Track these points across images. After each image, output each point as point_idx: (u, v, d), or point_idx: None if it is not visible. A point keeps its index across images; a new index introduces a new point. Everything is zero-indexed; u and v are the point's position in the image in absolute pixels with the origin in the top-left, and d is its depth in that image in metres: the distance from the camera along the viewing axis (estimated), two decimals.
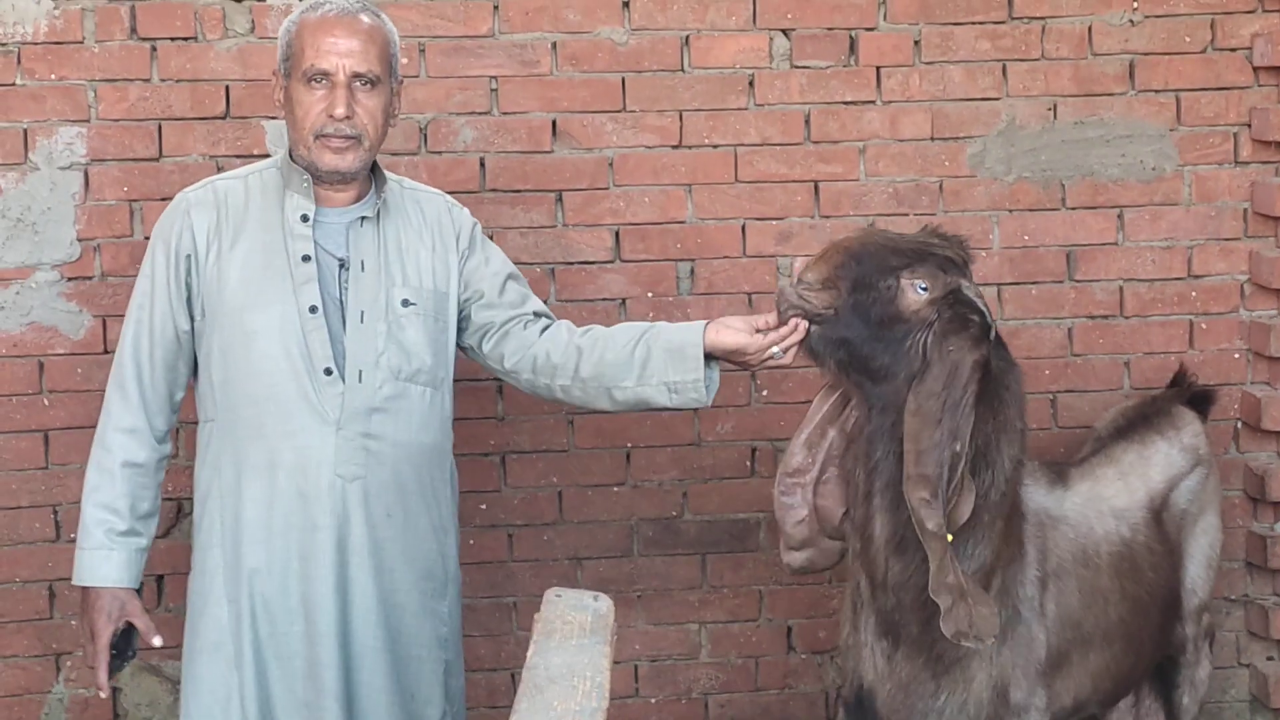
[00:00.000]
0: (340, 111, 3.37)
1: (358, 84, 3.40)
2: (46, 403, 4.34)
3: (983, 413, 3.31)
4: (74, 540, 3.48)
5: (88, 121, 4.30)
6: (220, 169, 4.20)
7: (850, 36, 4.49)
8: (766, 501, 4.06)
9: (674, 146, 4.47)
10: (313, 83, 3.39)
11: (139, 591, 3.49)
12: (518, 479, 4.52)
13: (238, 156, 4.28)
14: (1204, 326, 4.66)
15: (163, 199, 4.21)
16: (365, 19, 3.43)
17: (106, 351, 4.27)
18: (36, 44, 4.26)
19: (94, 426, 3.52)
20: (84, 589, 3.46)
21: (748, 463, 4.57)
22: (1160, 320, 4.65)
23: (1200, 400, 4.33)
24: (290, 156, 3.48)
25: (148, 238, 4.12)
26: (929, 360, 3.30)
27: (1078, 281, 4.62)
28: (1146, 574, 3.87)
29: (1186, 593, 4.11)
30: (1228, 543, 4.62)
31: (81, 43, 4.28)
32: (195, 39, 4.31)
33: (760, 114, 4.48)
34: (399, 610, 3.49)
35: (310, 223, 3.45)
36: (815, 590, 4.63)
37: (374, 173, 3.54)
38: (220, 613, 3.43)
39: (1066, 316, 4.62)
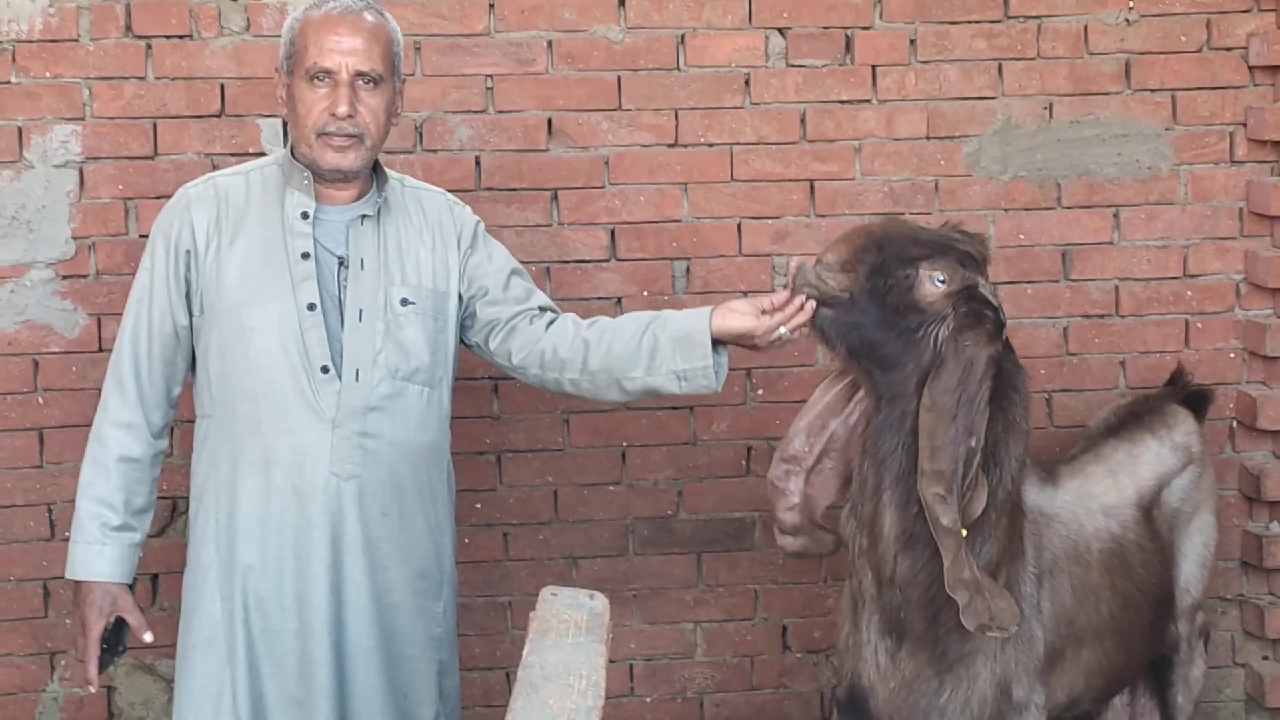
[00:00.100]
0: (343, 110, 3.37)
1: (360, 83, 3.39)
2: (41, 401, 4.34)
3: (994, 412, 3.33)
4: (69, 539, 3.48)
5: (83, 119, 4.29)
6: (215, 167, 4.19)
7: (846, 35, 4.49)
8: (762, 500, 4.06)
9: (669, 145, 4.47)
10: (315, 80, 3.38)
11: (132, 587, 3.49)
12: (513, 478, 4.52)
13: (233, 155, 4.27)
14: (1199, 326, 4.66)
15: (158, 197, 4.20)
16: (369, 17, 3.43)
17: (101, 350, 4.27)
18: (31, 42, 4.26)
19: (89, 425, 3.52)
20: (76, 583, 3.46)
21: (743, 462, 4.57)
22: (1156, 319, 4.65)
23: (1197, 400, 4.33)
24: (292, 154, 3.48)
25: (143, 236, 4.14)
26: (943, 355, 3.31)
27: (1073, 281, 4.62)
28: (1137, 570, 3.88)
29: (1180, 591, 4.11)
30: (1223, 542, 4.62)
31: (77, 40, 4.27)
32: (190, 37, 4.30)
33: (756, 113, 4.48)
34: (393, 609, 3.48)
35: (310, 220, 3.44)
36: (810, 589, 4.63)
37: (375, 171, 3.54)
38: (214, 609, 3.43)
39: (1062, 316, 4.62)
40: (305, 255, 3.42)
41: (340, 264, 3.45)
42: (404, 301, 3.47)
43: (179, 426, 4.08)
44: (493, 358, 3.65)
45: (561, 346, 3.55)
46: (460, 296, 3.58)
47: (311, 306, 3.40)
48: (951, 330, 3.32)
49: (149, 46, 4.29)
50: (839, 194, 4.50)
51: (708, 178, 4.48)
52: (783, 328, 3.41)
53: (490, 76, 4.40)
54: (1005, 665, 3.49)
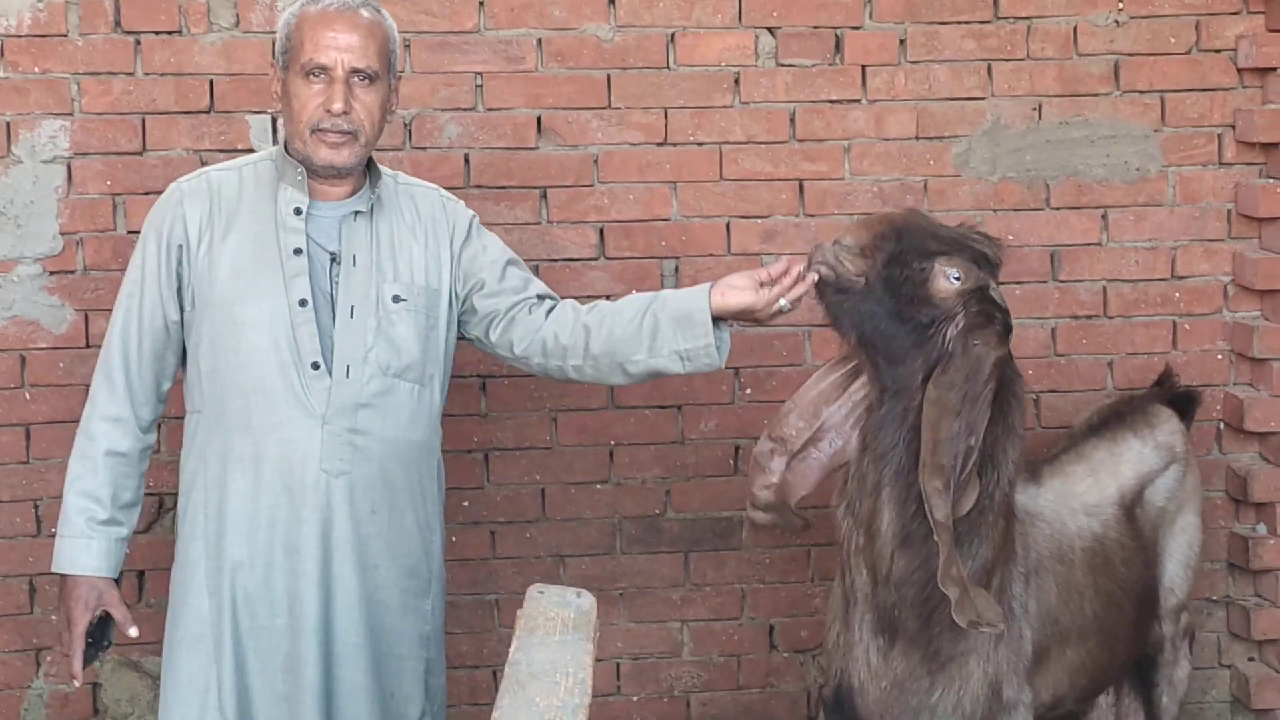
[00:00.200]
0: (338, 107, 3.36)
1: (356, 79, 3.39)
2: (28, 397, 4.33)
3: (994, 414, 3.34)
4: (55, 534, 3.47)
5: (71, 115, 4.28)
6: (204, 163, 4.18)
7: (836, 35, 4.49)
8: None
9: (659, 144, 4.47)
10: (311, 77, 3.38)
11: (118, 582, 3.48)
12: (501, 476, 4.52)
13: (221, 151, 4.27)
14: (1187, 327, 4.67)
15: (146, 193, 4.20)
16: (365, 14, 3.43)
17: (89, 345, 4.26)
18: (20, 36, 4.25)
19: (76, 421, 3.51)
20: (62, 577, 3.45)
21: (730, 461, 4.57)
22: (1144, 321, 4.66)
23: (1184, 401, 4.34)
24: (285, 149, 3.47)
25: (131, 232, 4.14)
26: (951, 351, 3.33)
27: (1061, 282, 4.62)
28: (1119, 570, 3.89)
29: (1164, 591, 4.12)
30: (1210, 543, 4.63)
31: (65, 36, 4.26)
32: (180, 33, 4.29)
33: (745, 112, 4.48)
34: (381, 607, 3.48)
35: (303, 216, 3.44)
36: (797, 589, 4.63)
37: (369, 167, 3.53)
38: (201, 605, 3.42)
39: (1050, 317, 4.63)
40: (298, 251, 3.42)
41: (332, 260, 3.44)
42: (396, 298, 3.46)
43: (166, 423, 4.08)
44: (495, 350, 3.64)
45: (563, 333, 3.54)
46: (456, 292, 3.58)
47: (303, 302, 3.39)
48: (961, 329, 3.34)
49: (138, 42, 4.29)
50: (828, 194, 4.51)
51: (697, 177, 4.48)
52: (783, 299, 3.42)
53: (480, 74, 4.40)
54: (997, 665, 3.51)
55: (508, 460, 4.51)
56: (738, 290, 3.45)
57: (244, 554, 3.40)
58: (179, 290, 3.45)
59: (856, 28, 4.49)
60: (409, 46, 4.35)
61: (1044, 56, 4.55)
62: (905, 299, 3.34)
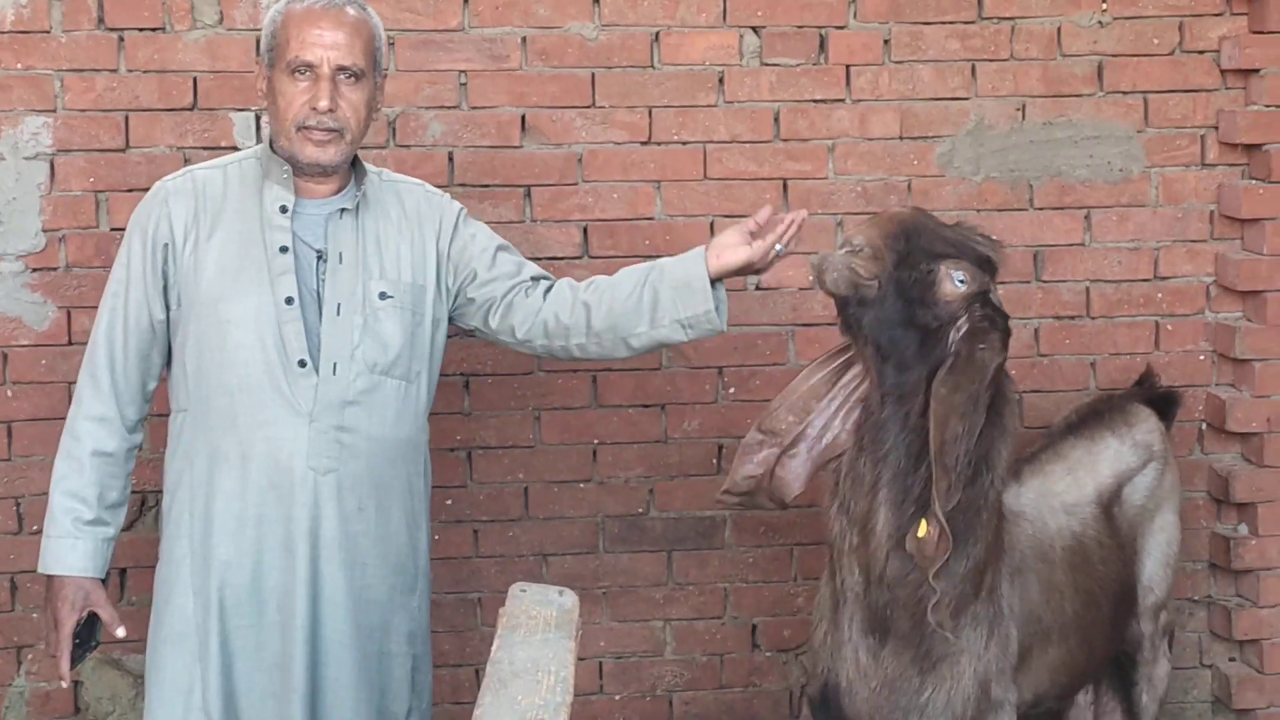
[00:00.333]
0: (324, 104, 3.36)
1: (342, 77, 3.38)
2: (10, 394, 4.32)
3: (990, 417, 3.34)
4: (37, 532, 3.47)
5: (54, 111, 4.27)
6: (187, 161, 4.18)
7: (820, 35, 4.49)
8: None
9: (643, 143, 4.47)
10: (296, 74, 3.37)
11: (105, 582, 3.47)
12: (484, 474, 4.51)
13: (205, 148, 4.26)
14: (1169, 328, 4.68)
15: (129, 190, 4.20)
16: (351, 11, 3.42)
17: (71, 343, 4.25)
18: (3, 33, 4.23)
19: (58, 418, 3.51)
20: (48, 577, 3.44)
21: (714, 460, 4.57)
22: (1126, 321, 4.67)
23: (1164, 401, 4.35)
24: (271, 147, 3.46)
25: (114, 229, 4.13)
26: (956, 354, 3.33)
27: (1044, 282, 4.63)
28: (1098, 568, 3.90)
29: (1143, 589, 4.13)
30: (1192, 544, 4.64)
31: (48, 32, 4.25)
32: (163, 30, 4.29)
33: (730, 111, 4.48)
34: (370, 605, 3.47)
35: (289, 214, 3.43)
36: (780, 588, 4.63)
37: (354, 165, 3.53)
38: (185, 604, 3.42)
39: (1033, 317, 4.63)
40: (283, 249, 3.41)
41: (319, 258, 3.44)
42: (382, 295, 3.46)
43: (149, 420, 4.06)
44: (497, 337, 3.64)
45: (563, 313, 3.54)
46: (447, 287, 3.57)
47: (289, 300, 3.39)
48: (965, 333, 3.35)
49: (121, 39, 4.28)
50: (812, 193, 4.51)
51: (681, 176, 4.48)
52: (778, 245, 3.43)
53: (464, 72, 4.40)
54: (988, 664, 3.52)
55: (491, 459, 4.51)
56: (732, 249, 3.45)
57: (232, 553, 3.39)
58: (164, 289, 3.44)
59: (841, 27, 4.50)
60: (394, 44, 4.34)
61: (1028, 57, 4.56)
62: (914, 302, 3.34)
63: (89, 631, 3.49)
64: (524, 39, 4.40)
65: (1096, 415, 4.18)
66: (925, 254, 3.36)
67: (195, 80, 4.31)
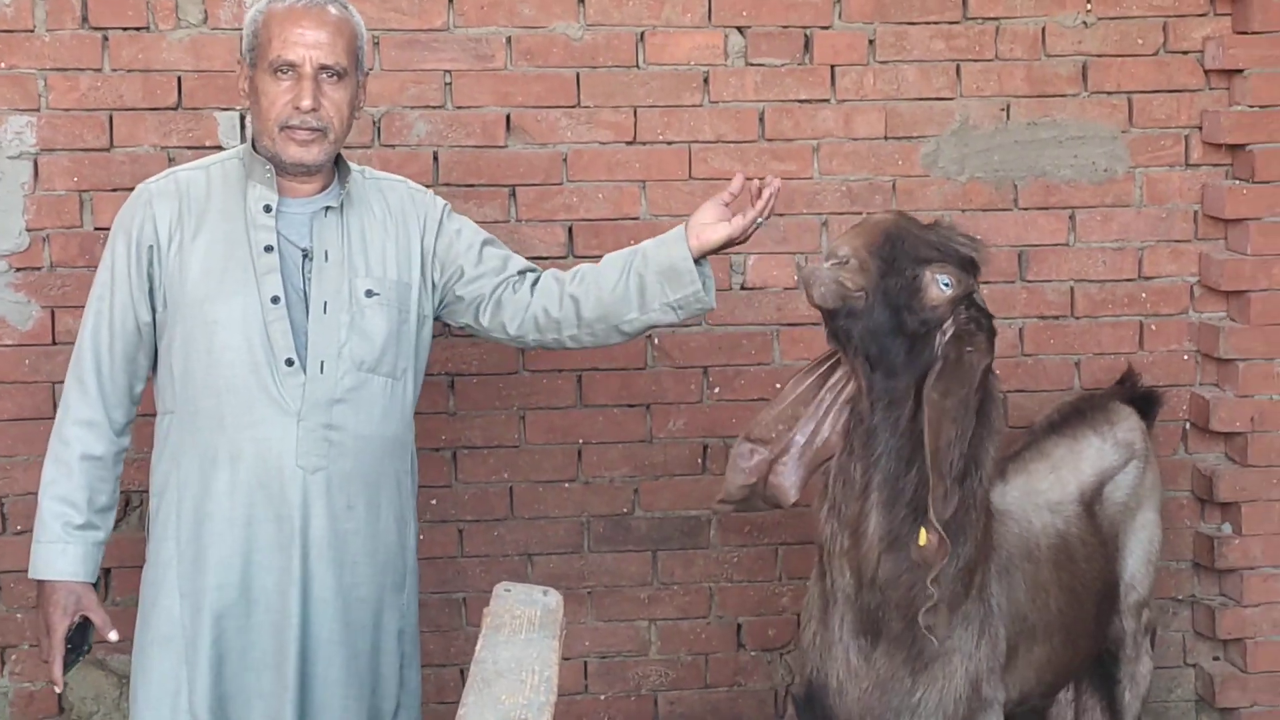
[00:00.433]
0: (306, 104, 3.35)
1: (324, 76, 3.38)
2: None
3: (978, 417, 3.36)
4: (21, 532, 3.47)
5: (38, 111, 4.26)
6: (171, 160, 4.18)
7: (805, 35, 4.50)
8: None
9: (628, 143, 4.47)
10: (279, 74, 3.36)
11: (96, 585, 3.47)
12: (469, 474, 4.51)
13: (189, 148, 4.25)
14: (1154, 328, 4.69)
15: (113, 190, 4.19)
16: (333, 10, 3.41)
17: (55, 343, 4.24)
18: None
19: (42, 418, 3.51)
20: (40, 583, 3.43)
21: (699, 460, 4.57)
22: (1111, 321, 4.68)
23: (1146, 400, 4.36)
24: (253, 147, 3.46)
25: (98, 229, 4.12)
26: (945, 358, 3.33)
27: (1029, 282, 4.64)
28: (1081, 566, 3.91)
29: (1125, 587, 4.14)
30: (1176, 543, 4.66)
31: (32, 31, 4.24)
32: (147, 29, 4.28)
33: (715, 111, 4.48)
34: (359, 603, 3.47)
35: (273, 213, 3.42)
36: (765, 588, 4.64)
37: (337, 163, 3.52)
38: (172, 606, 3.41)
39: (1018, 316, 4.64)
40: (268, 248, 3.40)
41: (304, 256, 3.43)
42: (368, 293, 3.46)
43: (134, 421, 4.06)
44: (488, 333, 3.64)
45: (552, 307, 3.56)
46: (433, 283, 3.57)
47: (275, 299, 3.38)
48: (952, 336, 3.35)
49: (105, 38, 4.27)
50: (797, 193, 4.51)
51: (666, 176, 4.49)
52: (759, 219, 3.46)
53: (449, 72, 4.40)
54: (978, 663, 3.53)
55: (476, 458, 4.51)
56: (712, 228, 3.47)
57: (222, 553, 3.38)
58: (150, 291, 3.44)
59: (826, 28, 4.50)
60: (378, 44, 4.34)
61: (1012, 57, 4.56)
62: (900, 309, 3.33)
63: (81, 636, 3.48)
64: (509, 39, 4.40)
65: (1079, 414, 4.20)
66: (910, 259, 3.35)
67: (180, 80, 4.30)
